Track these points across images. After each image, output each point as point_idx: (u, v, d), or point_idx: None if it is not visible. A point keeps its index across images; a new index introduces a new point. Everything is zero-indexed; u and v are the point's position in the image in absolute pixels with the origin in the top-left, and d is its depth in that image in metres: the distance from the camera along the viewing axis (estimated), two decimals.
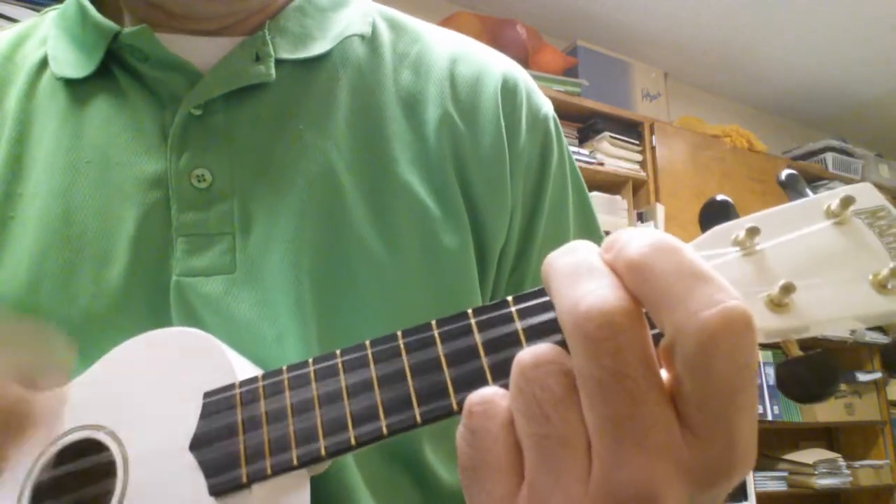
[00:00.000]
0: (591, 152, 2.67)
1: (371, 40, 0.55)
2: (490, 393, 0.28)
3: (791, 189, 0.33)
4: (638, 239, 0.27)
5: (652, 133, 2.80)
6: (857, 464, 3.06)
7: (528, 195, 0.55)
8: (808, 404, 0.29)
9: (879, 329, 0.31)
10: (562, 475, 0.26)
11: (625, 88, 2.90)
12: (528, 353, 0.27)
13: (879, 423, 3.15)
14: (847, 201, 0.31)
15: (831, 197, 0.31)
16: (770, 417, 2.84)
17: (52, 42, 0.53)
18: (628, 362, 0.25)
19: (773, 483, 2.83)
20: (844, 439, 3.28)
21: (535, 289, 0.31)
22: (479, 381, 0.30)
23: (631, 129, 2.79)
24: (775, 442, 3.08)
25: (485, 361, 0.31)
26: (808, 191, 0.33)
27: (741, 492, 2.59)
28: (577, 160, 2.61)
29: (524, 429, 0.27)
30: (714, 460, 0.26)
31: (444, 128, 0.52)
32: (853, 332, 3.09)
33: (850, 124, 3.89)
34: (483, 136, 0.53)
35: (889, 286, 0.29)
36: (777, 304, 0.29)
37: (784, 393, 0.30)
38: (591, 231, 0.60)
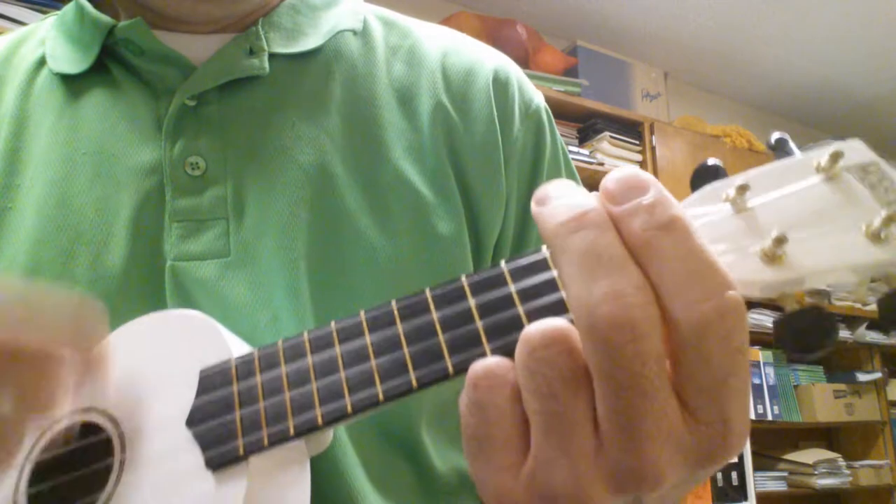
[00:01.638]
0: (591, 152, 2.67)
1: (363, 35, 0.56)
2: (495, 365, 0.28)
3: (780, 151, 0.33)
4: (652, 213, 0.27)
5: (652, 133, 2.81)
6: (857, 464, 3.05)
7: (522, 184, 0.55)
8: (808, 355, 0.29)
9: (880, 329, 0.31)
10: (569, 451, 0.27)
11: (625, 88, 2.90)
12: (538, 332, 0.27)
13: (879, 423, 3.15)
14: (836, 155, 0.31)
15: (820, 154, 0.31)
16: (770, 417, 2.84)
17: (50, 42, 0.54)
18: (644, 363, 0.25)
19: (772, 483, 2.82)
20: (844, 439, 3.28)
21: (531, 253, 0.31)
22: (474, 344, 0.30)
23: (631, 129, 2.79)
24: (775, 442, 3.08)
25: (479, 325, 0.30)
26: (797, 151, 0.33)
27: (741, 492, 2.59)
28: (577, 160, 2.62)
29: (532, 406, 0.27)
30: (711, 441, 0.27)
31: (437, 117, 0.53)
32: (853, 332, 3.10)
33: (850, 124, 3.89)
34: (476, 126, 0.54)
35: (882, 235, 0.29)
36: (770, 257, 0.29)
37: (784, 347, 0.30)
38: None
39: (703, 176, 0.32)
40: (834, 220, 0.30)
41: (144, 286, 0.45)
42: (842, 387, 3.09)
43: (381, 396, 0.31)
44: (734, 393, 0.27)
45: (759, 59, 3.39)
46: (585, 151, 2.66)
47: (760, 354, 2.90)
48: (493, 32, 2.56)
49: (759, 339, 2.81)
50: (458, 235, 0.50)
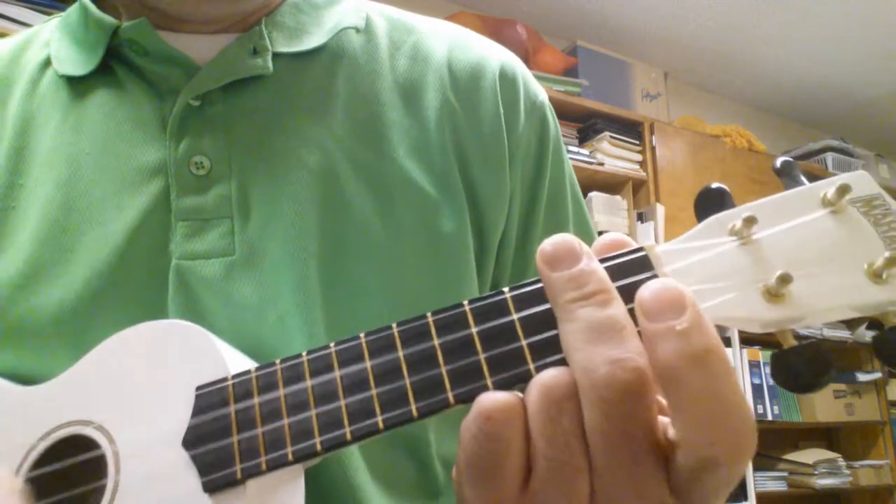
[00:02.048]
0: (591, 152, 2.67)
1: (366, 32, 0.56)
2: (508, 401, 0.29)
3: (786, 176, 0.33)
4: (684, 342, 0.27)
5: (652, 133, 2.81)
6: (857, 464, 3.06)
7: (526, 181, 0.55)
8: (802, 394, 0.30)
9: (879, 328, 0.31)
10: (567, 497, 0.28)
11: (625, 88, 2.90)
12: (561, 383, 0.28)
13: (879, 423, 3.15)
14: (843, 190, 0.31)
15: (828, 185, 0.31)
16: (770, 417, 2.84)
17: (54, 44, 0.54)
18: (636, 425, 0.27)
19: (772, 483, 2.83)
20: (844, 439, 3.28)
21: (534, 282, 0.31)
22: (476, 377, 0.30)
23: (631, 129, 2.79)
24: (775, 442, 3.08)
25: (482, 357, 0.30)
26: (803, 178, 0.33)
27: (741, 492, 2.59)
28: (577, 160, 2.62)
29: (543, 451, 0.28)
30: None
31: (444, 114, 0.53)
32: (853, 332, 3.10)
33: (850, 124, 3.90)
34: (483, 123, 0.54)
35: (884, 276, 0.29)
36: (774, 295, 0.29)
37: (778, 383, 0.30)
38: (583, 221, 0.60)
39: (707, 200, 0.32)
40: (838, 258, 0.30)
41: (145, 285, 0.45)
42: (842, 387, 3.09)
43: (381, 425, 0.31)
44: (719, 499, 0.29)
45: (759, 59, 3.39)
46: (585, 151, 2.66)
47: (760, 354, 2.90)
48: (493, 32, 2.56)
49: (759, 338, 2.81)
50: (462, 234, 0.50)
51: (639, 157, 2.78)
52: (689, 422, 0.27)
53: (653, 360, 0.27)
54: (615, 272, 0.31)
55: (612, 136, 2.69)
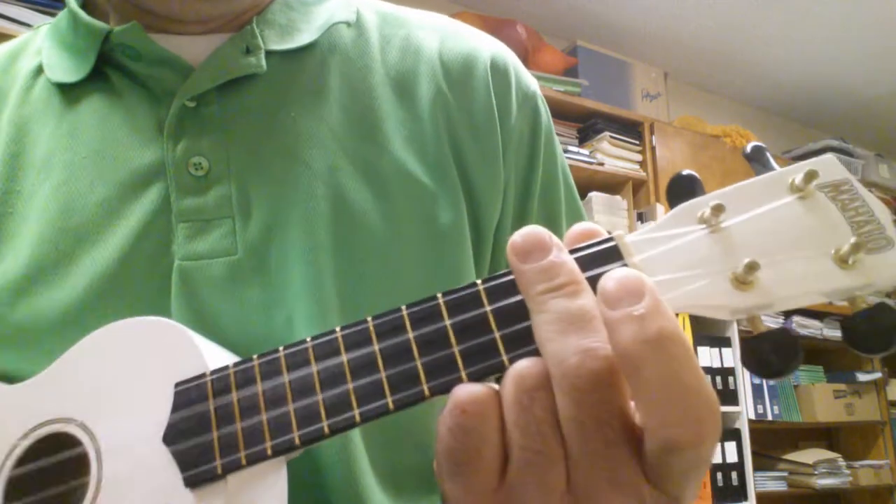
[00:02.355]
0: (591, 152, 2.67)
1: (357, 26, 0.56)
2: (482, 393, 0.29)
3: (756, 162, 0.33)
4: (641, 325, 0.27)
5: (652, 133, 2.80)
6: (857, 464, 3.05)
7: (520, 170, 0.55)
8: (772, 379, 0.30)
9: (852, 348, 0.31)
10: (543, 485, 0.28)
11: (625, 88, 2.90)
12: (534, 372, 0.29)
13: (879, 423, 3.15)
14: (811, 175, 0.31)
15: (795, 171, 0.32)
16: (770, 417, 2.83)
17: (45, 52, 0.54)
18: (608, 412, 0.28)
19: (772, 483, 2.82)
20: (844, 439, 3.28)
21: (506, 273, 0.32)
22: (450, 370, 0.31)
23: (631, 129, 2.79)
24: (775, 442, 3.07)
25: (455, 349, 0.31)
26: (774, 163, 0.33)
27: (741, 492, 2.59)
28: (577, 160, 2.61)
29: (518, 440, 0.29)
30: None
31: (437, 105, 0.53)
32: None
33: (850, 124, 3.89)
34: (475, 112, 0.54)
35: (850, 261, 0.29)
36: (742, 282, 0.30)
37: (748, 369, 0.30)
38: (575, 210, 0.61)
39: (678, 186, 0.32)
40: (805, 244, 0.30)
41: (147, 287, 0.45)
42: (842, 387, 3.09)
43: (357, 419, 0.31)
44: (691, 483, 0.29)
45: (759, 59, 3.39)
46: (585, 151, 2.66)
47: None
48: (493, 32, 2.53)
49: None
50: (460, 224, 0.51)
51: (639, 157, 2.78)
52: (650, 405, 0.27)
53: (614, 346, 0.27)
54: (585, 262, 0.31)
55: (612, 136, 2.69)
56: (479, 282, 0.32)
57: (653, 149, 2.79)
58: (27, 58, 0.55)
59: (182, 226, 0.46)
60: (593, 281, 0.30)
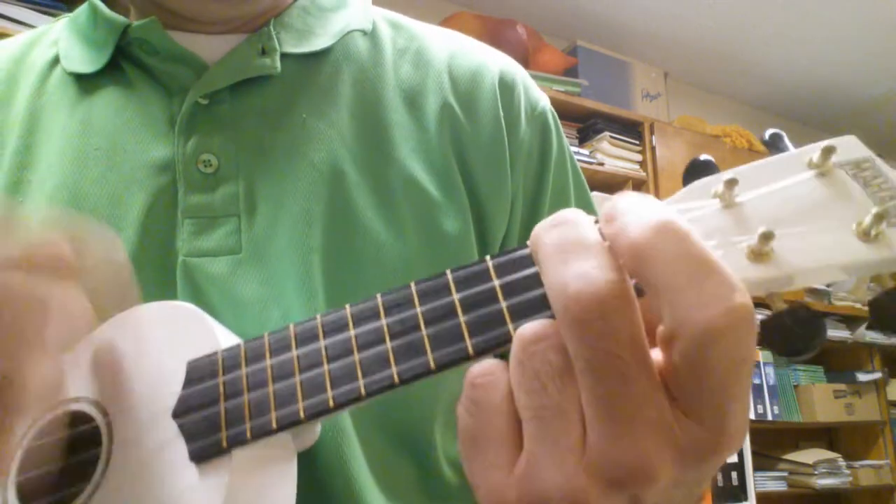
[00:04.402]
0: (591, 152, 2.67)
1: (372, 36, 0.57)
2: (491, 365, 0.29)
3: (774, 149, 0.32)
4: (642, 218, 0.26)
5: (652, 133, 2.80)
6: (857, 464, 3.05)
7: (529, 185, 0.56)
8: (796, 357, 0.29)
9: (878, 329, 0.30)
10: (558, 446, 0.26)
11: (625, 88, 2.90)
12: (529, 329, 0.28)
13: (879, 423, 3.14)
14: (828, 151, 0.30)
15: (813, 150, 0.30)
16: (770, 417, 2.83)
17: (63, 42, 0.55)
18: (618, 343, 0.25)
19: (773, 483, 2.82)
20: (844, 439, 3.28)
21: (517, 249, 0.31)
22: (457, 340, 0.30)
23: (631, 129, 2.79)
24: (775, 442, 3.07)
25: (462, 319, 0.30)
26: (792, 148, 0.32)
27: (741, 492, 2.59)
28: (576, 160, 2.62)
29: (523, 401, 0.27)
30: (704, 442, 0.26)
31: (444, 118, 0.54)
32: (853, 332, 3.10)
33: (850, 124, 3.89)
34: (483, 127, 0.54)
35: (872, 233, 0.28)
36: (758, 254, 0.28)
37: (770, 347, 0.29)
38: None
39: (695, 171, 0.32)
40: (824, 217, 0.29)
41: (153, 281, 0.45)
42: (842, 387, 3.09)
43: (362, 391, 0.31)
44: (734, 399, 0.26)
45: (759, 59, 3.39)
46: (585, 151, 2.66)
47: (760, 354, 2.89)
48: (493, 32, 2.56)
49: (758, 339, 2.81)
50: (465, 234, 0.51)
51: (639, 157, 2.78)
52: (673, 293, 0.25)
53: (622, 253, 0.26)
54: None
55: (612, 136, 2.69)
56: (487, 257, 0.31)
57: (653, 149, 2.79)
58: (43, 48, 0.56)
59: (188, 222, 0.46)
60: None
